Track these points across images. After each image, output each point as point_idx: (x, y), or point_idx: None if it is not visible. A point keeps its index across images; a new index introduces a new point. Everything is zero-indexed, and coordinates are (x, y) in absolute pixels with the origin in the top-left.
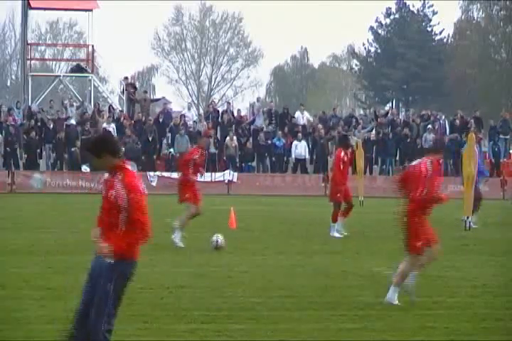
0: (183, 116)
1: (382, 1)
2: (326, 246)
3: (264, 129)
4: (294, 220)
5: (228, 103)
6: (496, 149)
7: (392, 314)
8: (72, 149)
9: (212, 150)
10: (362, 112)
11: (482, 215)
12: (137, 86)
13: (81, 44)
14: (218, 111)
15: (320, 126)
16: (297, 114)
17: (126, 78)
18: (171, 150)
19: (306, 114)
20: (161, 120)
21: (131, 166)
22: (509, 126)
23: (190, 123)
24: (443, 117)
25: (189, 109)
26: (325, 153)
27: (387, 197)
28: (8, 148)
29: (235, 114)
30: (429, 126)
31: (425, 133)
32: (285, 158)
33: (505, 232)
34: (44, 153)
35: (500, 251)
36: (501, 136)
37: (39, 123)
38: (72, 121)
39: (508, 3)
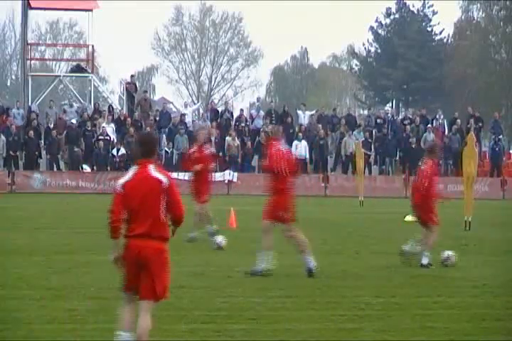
0: (183, 115)
1: (382, 1)
2: (326, 246)
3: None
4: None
5: (226, 102)
6: (497, 149)
7: (392, 314)
8: (76, 149)
9: (213, 150)
10: (362, 112)
11: (482, 215)
12: (137, 86)
13: (81, 44)
14: (218, 111)
15: (320, 126)
16: (299, 113)
17: (132, 76)
18: (166, 149)
19: (307, 113)
20: (157, 118)
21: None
22: (500, 126)
23: (188, 121)
24: (442, 117)
25: (185, 107)
26: (324, 153)
27: (387, 197)
28: (9, 149)
29: (237, 113)
30: (429, 125)
31: (425, 133)
32: None
33: (505, 232)
34: (44, 152)
35: (500, 251)
36: (500, 136)
37: (37, 123)
38: (73, 121)
39: (508, 3)
